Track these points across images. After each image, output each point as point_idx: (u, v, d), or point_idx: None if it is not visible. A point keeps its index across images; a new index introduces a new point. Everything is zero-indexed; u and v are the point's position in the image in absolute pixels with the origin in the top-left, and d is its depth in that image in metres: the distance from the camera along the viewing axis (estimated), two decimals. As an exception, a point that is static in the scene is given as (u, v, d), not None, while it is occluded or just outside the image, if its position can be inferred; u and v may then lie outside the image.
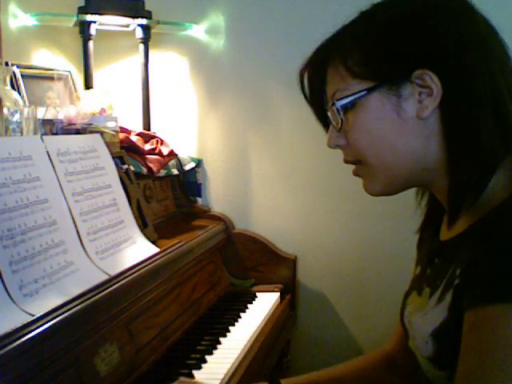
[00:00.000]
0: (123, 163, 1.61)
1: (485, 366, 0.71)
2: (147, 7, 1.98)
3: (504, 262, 0.73)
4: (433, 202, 0.97)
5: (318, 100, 0.93)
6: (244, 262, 1.98)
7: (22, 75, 1.71)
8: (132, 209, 1.52)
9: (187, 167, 2.05)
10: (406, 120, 0.84)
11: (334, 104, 0.87)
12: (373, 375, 1.09)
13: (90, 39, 1.93)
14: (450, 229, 0.87)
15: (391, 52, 0.83)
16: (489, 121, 0.81)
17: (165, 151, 1.90)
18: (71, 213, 1.27)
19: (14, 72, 1.65)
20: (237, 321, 1.57)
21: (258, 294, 1.82)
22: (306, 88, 0.94)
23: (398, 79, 0.83)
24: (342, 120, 0.87)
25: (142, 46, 2.01)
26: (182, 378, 1.16)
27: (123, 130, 1.83)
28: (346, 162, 0.92)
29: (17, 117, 1.37)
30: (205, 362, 1.29)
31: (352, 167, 0.92)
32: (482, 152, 0.81)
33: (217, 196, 2.11)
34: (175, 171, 1.98)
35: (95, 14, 1.89)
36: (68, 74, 1.92)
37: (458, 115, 0.82)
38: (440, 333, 0.83)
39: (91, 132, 1.56)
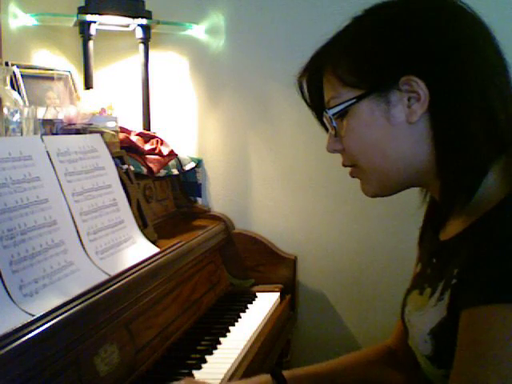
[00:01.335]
0: (123, 163, 1.61)
1: (480, 364, 0.72)
2: (147, 7, 1.98)
3: (502, 263, 0.73)
4: (433, 200, 0.98)
5: (317, 105, 0.95)
6: (244, 261, 1.97)
7: (22, 75, 1.71)
8: (132, 209, 1.52)
9: (187, 167, 2.05)
10: (395, 125, 0.85)
11: (326, 112, 0.89)
12: (373, 368, 1.09)
13: (90, 39, 1.93)
14: (443, 229, 0.88)
15: (377, 60, 0.84)
16: (478, 124, 0.81)
17: (165, 151, 1.90)
18: (71, 213, 1.27)
19: (14, 72, 1.65)
20: (237, 321, 1.57)
21: (257, 293, 1.82)
22: (305, 94, 0.95)
23: (385, 86, 0.84)
24: (334, 127, 0.89)
25: (142, 46, 2.01)
26: (188, 378, 1.15)
27: (123, 130, 1.83)
28: (344, 165, 0.94)
29: (17, 117, 1.37)
30: (205, 362, 1.29)
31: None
32: (472, 154, 0.81)
33: (217, 196, 2.11)
34: (175, 171, 1.98)
35: (95, 13, 1.89)
36: (68, 73, 1.92)
37: (445, 119, 0.82)
38: (438, 331, 0.83)
39: (91, 132, 1.56)
